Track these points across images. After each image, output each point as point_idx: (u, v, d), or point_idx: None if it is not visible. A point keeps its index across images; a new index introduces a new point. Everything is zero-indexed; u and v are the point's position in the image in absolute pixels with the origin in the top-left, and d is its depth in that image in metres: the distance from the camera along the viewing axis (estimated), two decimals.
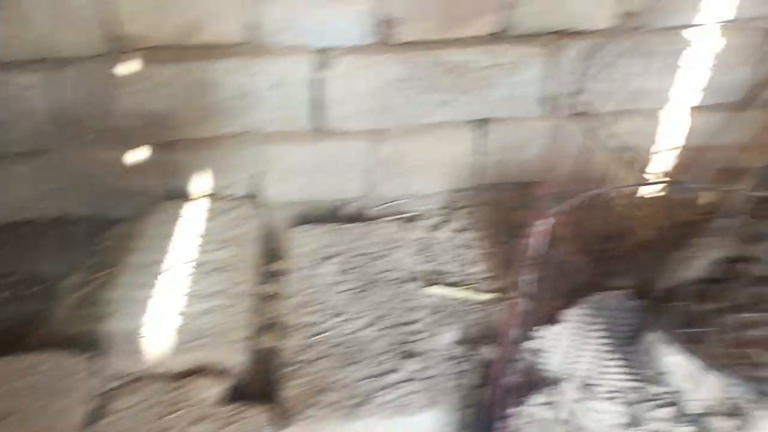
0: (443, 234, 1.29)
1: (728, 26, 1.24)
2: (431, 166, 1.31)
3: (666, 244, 0.85)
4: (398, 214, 1.33)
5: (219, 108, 1.16)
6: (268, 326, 1.02)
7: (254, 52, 1.13)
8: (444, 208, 1.35)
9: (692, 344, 0.76)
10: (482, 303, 1.13)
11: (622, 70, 1.21)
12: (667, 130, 1.33)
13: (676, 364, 0.94)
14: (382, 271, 1.09)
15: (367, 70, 1.17)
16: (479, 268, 1.21)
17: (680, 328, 0.78)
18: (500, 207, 1.32)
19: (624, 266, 1.04)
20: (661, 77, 1.25)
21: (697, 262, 0.77)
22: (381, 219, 1.27)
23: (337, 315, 1.00)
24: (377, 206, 1.33)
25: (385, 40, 1.16)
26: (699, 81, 1.29)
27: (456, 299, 1.13)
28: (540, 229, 1.06)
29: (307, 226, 1.20)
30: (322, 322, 0.99)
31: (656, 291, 0.83)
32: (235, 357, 0.91)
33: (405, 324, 0.99)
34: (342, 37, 1.14)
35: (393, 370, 0.91)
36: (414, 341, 0.96)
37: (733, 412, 0.88)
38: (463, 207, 1.34)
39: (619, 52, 1.20)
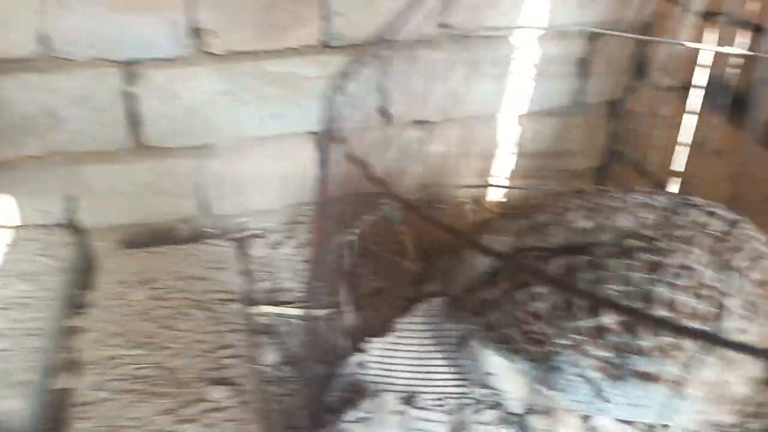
0: (284, 251, 1.25)
1: (550, 34, 1.30)
2: (270, 181, 1.27)
3: (464, 244, 0.85)
4: (237, 233, 1.28)
5: (16, 128, 1.06)
6: (65, 365, 0.93)
7: (52, 66, 1.04)
8: (286, 223, 1.31)
9: (489, 332, 0.76)
10: (316, 319, 1.09)
11: (447, 78, 1.23)
12: (497, 136, 1.36)
13: (496, 365, 0.95)
14: (205, 292, 1.03)
15: (184, 83, 1.11)
16: (319, 284, 1.17)
17: (475, 318, 0.77)
18: (344, 220, 1.29)
19: (441, 270, 1.04)
20: (487, 84, 1.28)
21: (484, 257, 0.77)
22: (216, 239, 1.21)
23: (145, 345, 0.92)
24: (214, 226, 1.27)
25: (201, 50, 1.11)
26: (525, 88, 1.34)
27: (288, 317, 1.09)
28: (347, 238, 1.04)
29: (124, 251, 1.11)
30: (126, 355, 0.90)
31: (456, 290, 0.82)
32: (14, 403, 0.81)
33: (222, 348, 0.93)
34: (152, 49, 1.08)
35: (199, 400, 0.85)
36: (229, 366, 0.91)
37: (546, 409, 0.89)
38: (305, 222, 1.31)
39: (442, 61, 1.22)
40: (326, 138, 0.56)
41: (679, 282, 0.61)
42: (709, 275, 0.63)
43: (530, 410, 0.95)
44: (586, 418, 0.96)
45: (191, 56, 1.10)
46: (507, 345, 0.73)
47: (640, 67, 1.40)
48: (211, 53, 1.11)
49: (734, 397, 0.64)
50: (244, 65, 1.13)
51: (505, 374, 0.96)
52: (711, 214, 0.70)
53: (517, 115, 1.37)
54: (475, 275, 0.78)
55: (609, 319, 0.62)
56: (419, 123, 1.30)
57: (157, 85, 1.10)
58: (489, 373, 1.01)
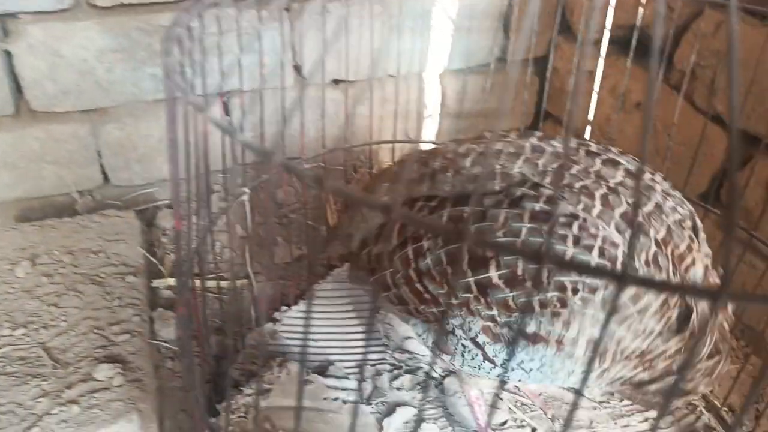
0: (196, 221, 1.18)
1: None
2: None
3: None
4: (144, 204, 1.19)
5: None
6: None
7: None
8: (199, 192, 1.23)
9: (385, 291, 0.71)
10: (227, 291, 1.03)
11: (362, 34, 1.17)
12: (419, 95, 1.31)
13: (411, 329, 0.91)
14: (99, 266, 0.95)
15: (66, 40, 1.01)
16: (234, 254, 1.11)
17: (371, 277, 0.72)
18: (264, 187, 1.23)
19: (342, 228, 0.99)
20: (406, 41, 1.22)
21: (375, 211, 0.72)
22: (118, 210, 1.13)
23: (27, 324, 0.84)
24: (119, 197, 1.18)
25: (85, 2, 1.01)
26: (447, 44, 1.29)
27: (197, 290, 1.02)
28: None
29: (11, 226, 1.02)
30: (5, 336, 0.82)
31: (353, 247, 0.77)
32: None
33: (114, 324, 0.86)
34: (27, 1, 0.97)
35: (83, 380, 0.78)
36: (120, 343, 0.84)
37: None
38: (220, 191, 1.23)
39: (357, 16, 1.15)
40: (169, 99, 0.49)
41: (568, 233, 0.58)
42: (601, 226, 0.59)
43: (448, 373, 0.92)
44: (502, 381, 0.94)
45: (73, 9, 1.00)
46: (403, 306, 0.69)
47: (564, 22, 1.37)
48: (96, 6, 1.01)
49: (630, 352, 0.62)
50: (135, 19, 1.04)
51: (415, 336, 0.92)
52: (613, 162, 0.66)
53: (439, 73, 1.32)
54: (371, 228, 0.73)
55: (494, 273, 0.58)
56: (336, 82, 1.24)
57: (36, 43, 1.00)
58: (407, 337, 0.98)
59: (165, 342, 0.91)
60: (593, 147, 0.67)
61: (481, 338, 0.61)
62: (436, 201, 0.65)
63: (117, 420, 0.74)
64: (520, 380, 0.64)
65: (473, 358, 0.64)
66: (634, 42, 0.96)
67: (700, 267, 0.66)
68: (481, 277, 0.58)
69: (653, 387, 0.67)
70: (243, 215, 1.05)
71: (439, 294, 0.62)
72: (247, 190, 0.92)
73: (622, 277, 0.29)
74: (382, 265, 0.69)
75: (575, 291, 0.58)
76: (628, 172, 0.66)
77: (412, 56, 1.26)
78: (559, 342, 0.58)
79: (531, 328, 0.58)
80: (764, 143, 0.89)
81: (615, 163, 0.67)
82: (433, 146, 0.79)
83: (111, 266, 0.95)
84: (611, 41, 1.28)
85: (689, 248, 0.65)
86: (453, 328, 0.64)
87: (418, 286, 0.64)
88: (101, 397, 0.76)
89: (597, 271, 0.29)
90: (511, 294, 0.57)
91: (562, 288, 0.57)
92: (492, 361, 0.63)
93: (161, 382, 0.85)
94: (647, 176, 0.68)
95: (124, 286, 0.92)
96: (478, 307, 0.59)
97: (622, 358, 0.62)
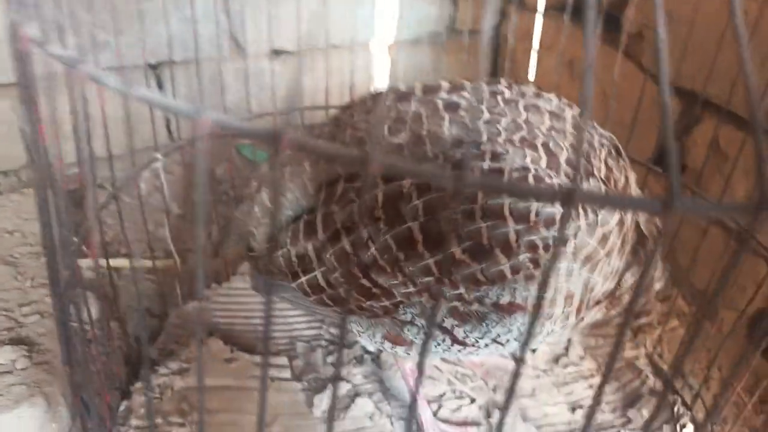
0: (127, 201, 1.12)
1: None
2: (109, 122, 1.13)
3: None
4: (75, 184, 1.13)
5: None
6: None
7: None
8: (131, 171, 1.17)
9: (315, 294, 0.64)
10: (156, 271, 0.98)
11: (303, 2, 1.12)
12: (365, 67, 1.27)
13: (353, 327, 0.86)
14: (13, 246, 0.89)
15: None
16: (165, 233, 1.06)
17: (292, 282, 0.65)
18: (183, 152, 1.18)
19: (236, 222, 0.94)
20: (348, 7, 1.18)
21: (288, 198, 0.66)
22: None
23: None
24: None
25: None
26: (394, 13, 1.24)
27: (120, 270, 0.97)
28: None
29: None
30: None
31: (258, 244, 0.71)
32: None
33: (23, 305, 0.81)
34: None
35: None
36: (28, 325, 0.78)
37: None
38: (154, 170, 1.18)
39: None
40: (12, 28, 0.44)
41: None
42: (552, 175, 0.55)
43: (380, 349, 0.88)
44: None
45: None
46: (340, 306, 0.63)
47: None
48: None
49: (601, 295, 0.59)
50: None
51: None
52: (535, 107, 0.62)
53: (387, 44, 1.27)
54: (278, 224, 0.65)
55: (456, 249, 0.53)
56: (276, 52, 1.19)
57: None
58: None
59: (85, 324, 0.86)
60: (507, 93, 0.63)
61: (449, 322, 0.56)
62: (360, 180, 0.59)
63: (19, 404, 0.69)
64: (492, 353, 0.60)
65: (438, 344, 0.59)
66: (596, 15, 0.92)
67: (636, 193, 0.64)
68: (442, 255, 0.54)
69: (618, 320, 0.64)
70: (161, 186, 0.99)
71: (392, 285, 0.56)
72: (160, 156, 0.87)
73: (457, 179, 0.25)
74: (308, 267, 0.61)
75: (546, 247, 0.54)
76: (552, 114, 0.62)
77: (357, 25, 1.22)
78: (535, 306, 0.54)
79: (505, 298, 0.54)
80: (702, 99, 0.86)
81: (537, 108, 0.63)
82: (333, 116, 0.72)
83: (26, 246, 0.90)
84: (558, 8, 1.25)
85: (627, 178, 0.62)
86: (412, 318, 0.58)
87: (364, 282, 0.58)
88: (1, 381, 0.71)
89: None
90: (479, 267, 0.53)
91: (533, 247, 0.53)
92: (463, 343, 0.58)
93: (73, 365, 0.80)
94: (569, 113, 0.64)
95: (38, 266, 0.87)
96: (443, 288, 0.55)
97: (594, 304, 0.59)
